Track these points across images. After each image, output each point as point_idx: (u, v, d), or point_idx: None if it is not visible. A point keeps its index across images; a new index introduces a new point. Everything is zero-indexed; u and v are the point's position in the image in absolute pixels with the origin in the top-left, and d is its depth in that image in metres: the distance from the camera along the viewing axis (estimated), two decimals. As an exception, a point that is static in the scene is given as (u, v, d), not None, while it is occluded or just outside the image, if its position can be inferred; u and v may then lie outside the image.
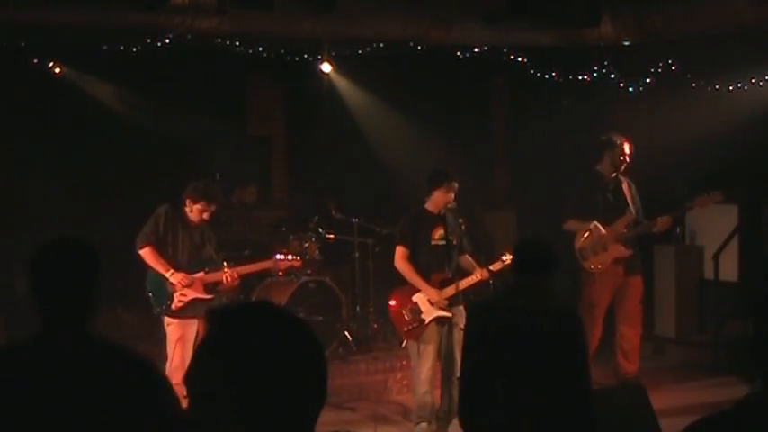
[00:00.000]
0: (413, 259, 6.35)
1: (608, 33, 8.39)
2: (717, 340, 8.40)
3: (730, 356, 7.95)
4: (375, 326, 8.65)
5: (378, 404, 7.09)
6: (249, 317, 1.57)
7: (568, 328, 3.93)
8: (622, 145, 7.24)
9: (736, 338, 8.03)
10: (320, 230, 8.65)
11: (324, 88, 9.99)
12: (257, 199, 9.55)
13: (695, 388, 7.63)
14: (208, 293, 6.26)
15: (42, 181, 9.10)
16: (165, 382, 2.59)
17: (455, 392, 5.95)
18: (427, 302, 6.26)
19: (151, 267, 6.18)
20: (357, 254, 8.70)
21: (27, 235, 8.17)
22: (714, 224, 8.83)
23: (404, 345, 6.56)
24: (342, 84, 10.12)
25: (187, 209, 6.22)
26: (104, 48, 8.54)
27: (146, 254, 6.15)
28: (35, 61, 8.93)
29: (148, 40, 8.21)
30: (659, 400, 5.58)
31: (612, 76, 9.52)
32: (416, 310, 6.28)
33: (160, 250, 6.17)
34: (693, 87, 9.05)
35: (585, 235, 7.23)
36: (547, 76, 9.75)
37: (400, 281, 6.44)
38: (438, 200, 6.33)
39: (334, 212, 8.67)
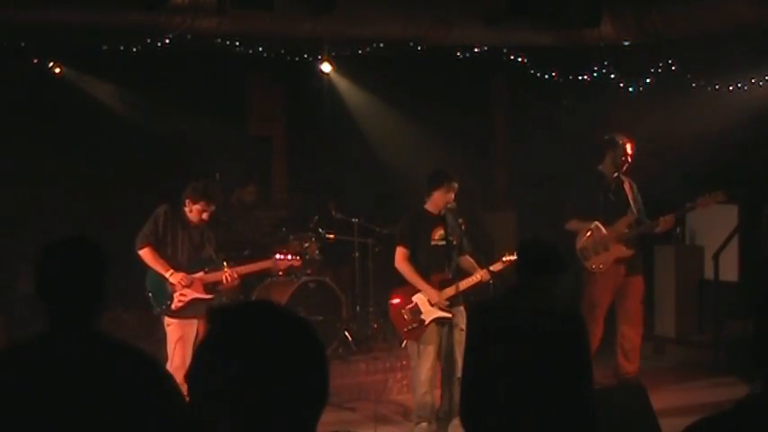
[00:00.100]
0: (413, 260, 6.35)
1: (608, 33, 8.39)
2: (717, 340, 8.40)
3: (730, 356, 7.95)
4: (375, 326, 8.65)
5: (378, 404, 7.08)
6: (250, 316, 1.57)
7: (571, 329, 3.92)
8: (624, 145, 7.24)
9: (736, 338, 8.03)
10: (320, 230, 8.65)
11: (324, 88, 9.99)
12: (257, 199, 9.54)
13: (695, 388, 7.63)
14: (207, 293, 6.26)
15: (42, 181, 9.11)
16: (170, 381, 2.59)
17: (455, 393, 5.96)
18: (427, 303, 6.26)
19: (151, 267, 6.18)
20: (357, 254, 8.70)
21: (27, 235, 8.20)
22: (714, 224, 8.83)
23: (404, 345, 6.56)
24: (342, 84, 10.12)
25: (187, 209, 6.21)
26: (104, 48, 8.54)
27: (145, 254, 6.15)
28: (35, 61, 8.93)
29: (148, 40, 8.21)
30: (659, 400, 5.58)
31: (612, 76, 9.52)
32: (416, 311, 6.28)
33: (159, 250, 6.17)
34: (693, 87, 9.04)
35: (587, 235, 7.23)
36: (547, 76, 9.75)
37: (400, 281, 6.44)
38: (438, 200, 6.32)
39: (334, 212, 8.67)
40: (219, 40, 8.41)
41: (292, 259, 6.83)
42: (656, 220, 7.15)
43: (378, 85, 10.05)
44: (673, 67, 9.10)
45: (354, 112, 10.39)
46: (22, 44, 8.45)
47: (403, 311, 6.32)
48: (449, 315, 6.22)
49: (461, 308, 6.27)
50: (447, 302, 6.22)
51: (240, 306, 1.61)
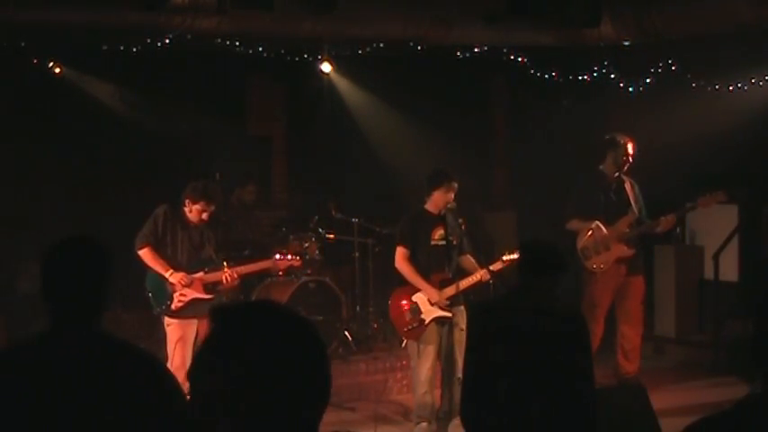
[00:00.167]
0: (413, 259, 6.35)
1: (608, 33, 8.39)
2: (717, 340, 8.40)
3: (730, 356, 7.96)
4: (375, 326, 8.65)
5: (378, 404, 7.08)
6: (251, 316, 1.57)
7: (572, 329, 3.92)
8: (626, 145, 7.23)
9: (736, 338, 8.03)
10: (320, 230, 8.65)
11: (324, 88, 9.99)
12: (257, 198, 9.55)
13: (695, 388, 7.63)
14: (207, 293, 6.25)
15: (42, 181, 9.11)
16: (172, 380, 2.59)
17: (455, 392, 5.96)
18: (427, 302, 6.26)
19: (150, 268, 6.18)
20: (357, 254, 8.70)
21: (27, 235, 8.20)
22: (714, 224, 8.83)
23: (404, 345, 6.56)
24: (342, 84, 10.12)
25: (186, 209, 6.21)
26: (104, 48, 8.54)
27: (145, 254, 6.15)
28: (35, 61, 8.93)
29: (148, 40, 8.21)
30: (659, 400, 5.58)
31: (612, 76, 9.52)
32: (416, 310, 6.28)
33: (159, 250, 6.17)
34: (693, 87, 9.05)
35: (588, 234, 7.23)
36: (547, 76, 9.75)
37: (400, 281, 6.44)
38: (438, 200, 6.32)
39: (334, 212, 8.67)
40: (219, 40, 8.41)
41: (292, 259, 6.83)
42: (657, 220, 7.14)
43: (378, 85, 10.05)
44: (673, 67, 9.10)
45: (354, 112, 10.39)
46: (22, 44, 8.45)
47: (403, 311, 6.32)
48: (449, 314, 6.22)
49: (462, 307, 6.27)
50: (447, 302, 6.21)
51: (242, 306, 1.61)
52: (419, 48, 8.87)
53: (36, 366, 2.44)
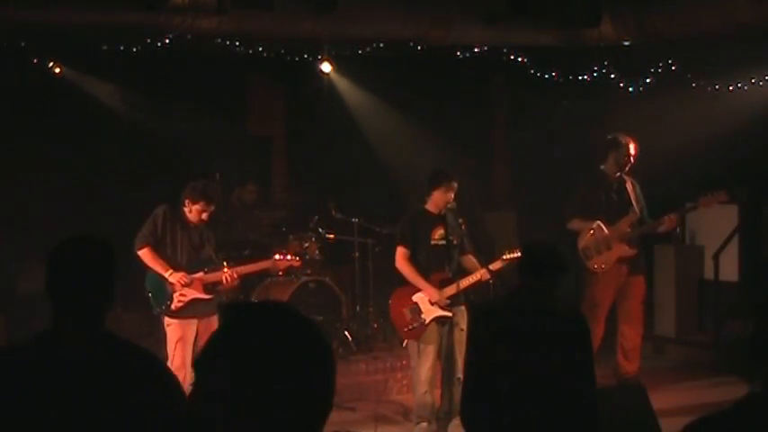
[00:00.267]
0: (413, 259, 6.35)
1: (608, 33, 8.39)
2: (717, 340, 8.40)
3: (730, 356, 7.95)
4: (375, 326, 8.65)
5: (378, 404, 7.08)
6: (262, 315, 1.57)
7: (573, 329, 3.93)
8: (628, 145, 7.23)
9: (736, 338, 8.03)
10: (320, 230, 8.65)
11: (324, 88, 9.99)
12: (257, 198, 9.55)
13: (695, 388, 7.63)
14: (207, 293, 6.25)
15: (42, 181, 9.10)
16: (173, 380, 2.59)
17: (455, 392, 5.96)
18: (427, 302, 6.25)
19: (150, 268, 6.18)
20: (357, 254, 8.71)
21: (27, 235, 8.20)
22: (714, 224, 8.83)
23: (405, 344, 6.55)
24: (342, 84, 10.13)
25: (186, 209, 6.21)
26: (104, 48, 8.54)
27: (144, 254, 6.14)
28: (35, 61, 8.93)
29: (148, 40, 8.21)
30: (659, 400, 5.58)
31: (612, 76, 9.52)
32: (417, 310, 6.28)
33: (159, 251, 6.17)
34: (693, 87, 9.05)
35: (589, 234, 7.23)
36: (547, 76, 9.75)
37: (401, 281, 6.44)
38: (438, 200, 6.32)
39: (334, 212, 8.67)
40: (219, 40, 8.41)
41: (292, 259, 6.82)
42: (661, 219, 7.14)
43: (378, 85, 10.05)
44: (673, 67, 9.10)
45: (354, 112, 10.39)
46: (22, 44, 8.45)
47: (403, 311, 6.32)
48: (449, 314, 6.22)
49: (462, 307, 6.27)
50: (448, 301, 6.21)
51: (252, 305, 1.61)
52: (419, 48, 8.87)
53: (38, 365, 2.44)
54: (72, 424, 2.37)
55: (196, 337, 6.18)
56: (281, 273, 8.06)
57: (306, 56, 9.54)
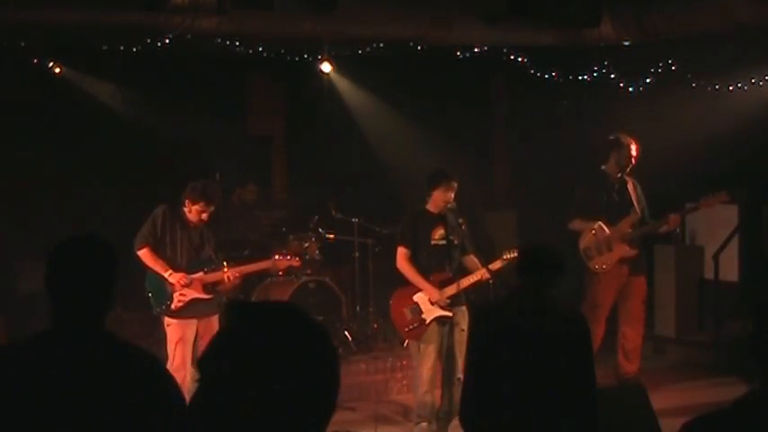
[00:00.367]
0: (414, 259, 6.35)
1: (608, 33, 8.39)
2: (717, 340, 8.40)
3: (730, 356, 7.95)
4: (375, 326, 8.65)
5: (378, 404, 7.08)
6: (266, 315, 1.57)
7: (573, 330, 3.93)
8: (629, 146, 7.23)
9: (736, 338, 8.03)
10: (320, 230, 8.65)
11: (324, 88, 9.99)
12: (257, 198, 9.55)
13: (695, 388, 7.63)
14: (207, 293, 6.25)
15: (42, 181, 9.11)
16: (172, 381, 2.59)
17: (455, 392, 5.96)
18: (428, 302, 6.25)
19: (150, 268, 6.18)
20: (357, 254, 8.71)
21: (27, 235, 8.21)
22: (714, 224, 8.83)
23: (405, 345, 6.55)
24: (342, 84, 10.13)
25: (186, 209, 6.21)
26: (104, 48, 8.54)
27: (144, 255, 6.14)
28: (35, 61, 8.93)
29: (148, 40, 8.21)
30: (659, 400, 5.59)
31: (612, 76, 9.52)
32: (417, 310, 6.28)
33: (158, 251, 6.17)
34: (693, 87, 9.04)
35: (590, 234, 7.23)
36: (547, 76, 9.75)
37: (401, 281, 6.44)
38: (438, 199, 6.33)
39: (334, 212, 8.67)
40: (219, 40, 8.41)
41: (291, 259, 6.83)
42: (665, 218, 7.14)
43: (378, 85, 10.06)
44: (673, 67, 9.09)
45: (354, 112, 10.39)
46: (22, 44, 8.45)
47: (404, 311, 6.32)
48: (449, 314, 6.22)
49: (463, 308, 6.26)
50: (448, 301, 6.21)
51: (258, 304, 1.61)
52: (419, 48, 8.87)
53: (37, 365, 2.43)
54: (70, 424, 2.37)
55: (196, 337, 6.18)
56: (281, 273, 8.06)
57: (306, 56, 9.54)
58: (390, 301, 6.49)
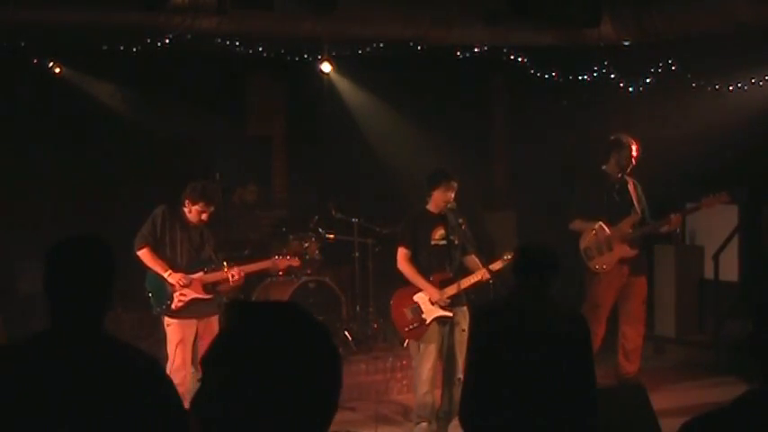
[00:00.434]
0: (414, 260, 6.35)
1: (608, 33, 8.39)
2: (717, 340, 8.40)
3: (730, 356, 7.95)
4: (375, 326, 8.65)
5: (378, 404, 7.08)
6: (269, 315, 1.56)
7: (573, 330, 3.93)
8: (630, 146, 7.23)
9: (736, 338, 8.03)
10: (320, 230, 8.65)
11: (324, 88, 9.99)
12: (258, 198, 9.55)
13: (695, 388, 7.63)
14: (207, 293, 6.25)
15: (42, 181, 9.11)
16: (169, 383, 2.59)
17: (456, 393, 5.96)
18: (428, 302, 6.25)
19: (150, 268, 6.17)
20: (357, 254, 8.71)
21: (27, 235, 8.21)
22: (714, 224, 8.83)
23: (405, 344, 6.55)
24: (342, 84, 10.13)
25: (186, 209, 6.20)
26: (104, 48, 8.54)
27: (144, 255, 6.14)
28: (35, 61, 8.93)
29: (148, 40, 8.21)
30: (659, 400, 5.59)
31: (612, 76, 9.52)
32: (417, 310, 6.28)
33: (158, 251, 6.16)
34: (693, 87, 9.04)
35: (591, 234, 7.22)
36: (547, 76, 9.74)
37: (401, 281, 6.44)
38: (438, 199, 6.33)
39: (334, 212, 8.67)
40: (219, 40, 8.41)
41: (291, 259, 6.83)
42: (666, 218, 7.14)
43: (378, 85, 10.06)
44: (673, 67, 9.09)
45: (354, 112, 10.39)
46: (22, 44, 8.45)
47: (404, 311, 6.32)
48: (450, 314, 6.22)
49: (464, 308, 6.26)
50: (448, 301, 6.21)
51: (256, 305, 1.61)
52: (419, 48, 8.87)
53: (34, 366, 2.43)
54: (66, 425, 2.36)
55: (196, 337, 6.18)
56: (281, 273, 8.07)
57: (306, 56, 9.54)
58: (391, 301, 6.49)
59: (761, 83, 8.72)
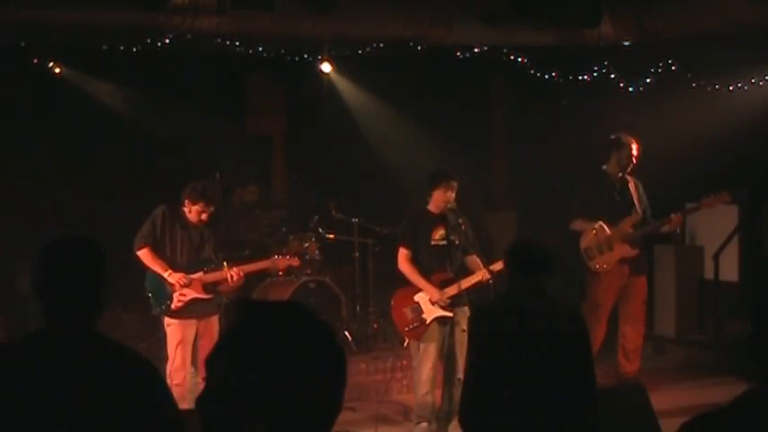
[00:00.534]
0: (414, 260, 6.35)
1: (608, 33, 8.39)
2: (717, 340, 8.40)
3: (730, 356, 7.95)
4: (375, 326, 8.65)
5: (378, 404, 7.08)
6: (273, 314, 1.56)
7: (572, 329, 3.93)
8: (630, 145, 7.23)
9: (736, 338, 8.02)
10: (320, 230, 8.65)
11: (324, 88, 9.99)
12: (258, 198, 9.55)
13: (695, 388, 7.63)
14: (207, 293, 6.25)
15: (42, 181, 9.10)
16: (161, 382, 2.58)
17: (456, 393, 5.96)
18: (429, 302, 6.26)
19: (149, 268, 6.17)
20: (357, 254, 8.71)
21: (27, 235, 8.20)
22: (714, 224, 8.83)
23: (406, 344, 6.56)
24: (342, 84, 10.13)
25: (186, 209, 6.21)
26: (104, 48, 8.54)
27: (143, 255, 6.14)
28: (35, 61, 8.93)
29: (148, 40, 8.21)
30: (659, 400, 5.58)
31: (612, 76, 9.52)
32: (418, 310, 6.28)
33: (158, 251, 6.16)
34: (693, 87, 9.04)
35: (591, 234, 7.22)
36: (547, 76, 9.75)
37: (401, 281, 6.44)
38: (438, 200, 6.33)
39: (334, 212, 8.67)
40: (219, 40, 8.41)
41: (291, 259, 6.83)
42: (667, 218, 7.13)
43: (378, 85, 10.05)
44: (673, 67, 9.09)
45: (354, 112, 10.39)
46: (22, 44, 8.45)
47: (405, 311, 6.33)
48: (450, 314, 6.22)
49: (465, 308, 6.25)
50: (448, 301, 6.21)
51: (260, 304, 1.60)
52: (419, 48, 8.87)
53: (25, 366, 2.42)
54: (58, 424, 2.36)
55: (196, 337, 6.18)
56: (280, 273, 8.07)
57: (306, 56, 9.54)
58: (391, 301, 6.49)
59: (761, 83, 8.72)
